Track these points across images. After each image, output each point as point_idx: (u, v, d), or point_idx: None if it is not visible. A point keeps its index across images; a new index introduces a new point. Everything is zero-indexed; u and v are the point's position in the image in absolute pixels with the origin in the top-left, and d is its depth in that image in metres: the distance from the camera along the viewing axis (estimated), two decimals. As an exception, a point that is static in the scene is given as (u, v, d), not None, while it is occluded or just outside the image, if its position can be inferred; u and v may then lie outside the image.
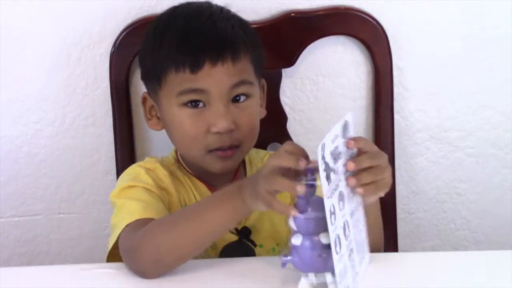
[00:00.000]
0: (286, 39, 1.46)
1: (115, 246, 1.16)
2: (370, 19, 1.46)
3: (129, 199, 1.19)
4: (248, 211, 1.04)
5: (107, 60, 1.46)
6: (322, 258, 0.95)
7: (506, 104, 1.54)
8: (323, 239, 0.96)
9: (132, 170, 1.28)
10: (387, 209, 1.52)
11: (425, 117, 1.54)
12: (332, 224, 0.92)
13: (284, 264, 1.00)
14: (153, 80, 1.24)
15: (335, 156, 0.93)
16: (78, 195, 1.55)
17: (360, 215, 1.02)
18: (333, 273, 0.95)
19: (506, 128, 1.55)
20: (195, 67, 1.19)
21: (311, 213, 0.96)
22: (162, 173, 1.26)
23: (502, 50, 1.51)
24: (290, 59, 1.48)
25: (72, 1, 1.45)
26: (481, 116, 1.54)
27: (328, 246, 0.94)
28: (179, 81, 1.21)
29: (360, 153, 0.98)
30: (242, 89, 1.22)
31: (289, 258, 0.99)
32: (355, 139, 0.96)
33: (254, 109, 1.25)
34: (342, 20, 1.47)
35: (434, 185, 1.59)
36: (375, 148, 1.00)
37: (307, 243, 0.97)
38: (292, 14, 1.46)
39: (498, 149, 1.56)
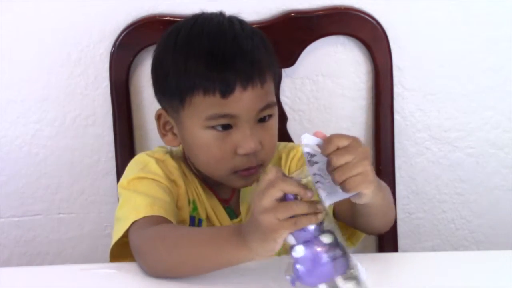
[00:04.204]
0: (286, 39, 1.46)
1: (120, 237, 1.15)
2: (370, 19, 1.46)
3: (137, 193, 1.18)
4: (255, 257, 1.00)
5: (107, 60, 1.46)
6: (329, 258, 0.93)
7: (506, 104, 1.54)
8: (324, 239, 0.94)
9: (142, 159, 1.26)
10: (387, 209, 1.53)
11: (425, 117, 1.54)
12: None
13: (293, 283, 0.96)
14: (175, 99, 1.21)
15: (311, 164, 0.95)
16: (78, 195, 1.55)
17: None
18: (343, 277, 0.94)
19: (506, 128, 1.55)
20: (226, 92, 1.16)
21: None
22: (172, 165, 1.25)
23: (502, 50, 1.51)
24: (290, 59, 1.48)
25: (72, 1, 1.45)
26: (481, 116, 1.55)
27: (330, 245, 0.93)
28: (207, 104, 1.18)
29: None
30: (267, 112, 1.21)
31: (295, 275, 0.95)
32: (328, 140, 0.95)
33: (276, 127, 1.25)
34: (342, 20, 1.47)
35: (434, 185, 1.59)
36: (348, 143, 0.96)
37: (309, 249, 0.94)
38: (292, 14, 1.46)
39: (498, 149, 1.56)
